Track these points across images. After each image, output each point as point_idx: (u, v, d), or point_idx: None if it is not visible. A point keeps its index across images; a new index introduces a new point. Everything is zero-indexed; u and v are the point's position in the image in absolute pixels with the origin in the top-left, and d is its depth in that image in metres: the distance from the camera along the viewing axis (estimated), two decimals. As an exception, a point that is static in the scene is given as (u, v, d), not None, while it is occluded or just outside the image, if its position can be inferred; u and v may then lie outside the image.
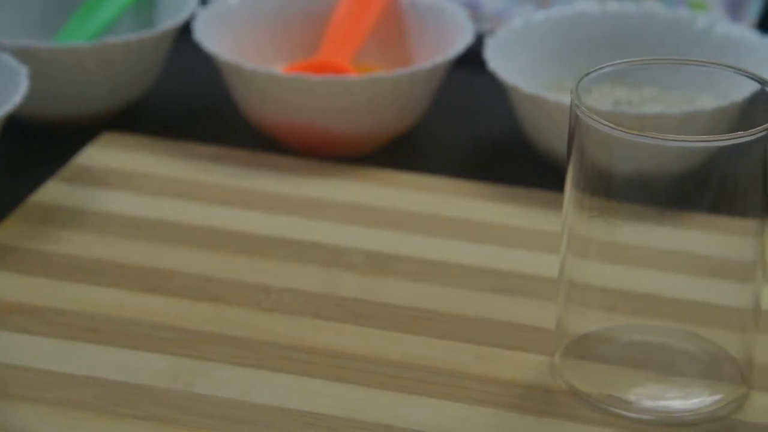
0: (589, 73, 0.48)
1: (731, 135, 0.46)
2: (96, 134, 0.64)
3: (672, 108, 0.58)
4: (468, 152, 0.65)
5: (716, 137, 0.46)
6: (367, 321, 0.52)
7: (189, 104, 0.68)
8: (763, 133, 0.45)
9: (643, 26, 0.66)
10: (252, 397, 0.48)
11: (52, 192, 0.60)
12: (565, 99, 0.47)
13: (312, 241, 0.57)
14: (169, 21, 0.66)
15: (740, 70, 0.48)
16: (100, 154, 0.63)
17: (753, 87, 0.47)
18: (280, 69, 0.65)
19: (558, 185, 0.48)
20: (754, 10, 0.72)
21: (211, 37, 0.63)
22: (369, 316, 0.52)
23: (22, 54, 0.62)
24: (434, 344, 0.51)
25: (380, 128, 0.63)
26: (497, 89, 0.63)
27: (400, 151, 0.64)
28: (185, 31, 0.66)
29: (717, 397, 0.48)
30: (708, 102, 0.54)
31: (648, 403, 0.48)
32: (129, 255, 0.56)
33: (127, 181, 0.61)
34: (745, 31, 0.64)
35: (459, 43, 0.63)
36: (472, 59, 0.65)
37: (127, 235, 0.57)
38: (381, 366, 0.50)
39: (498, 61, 0.62)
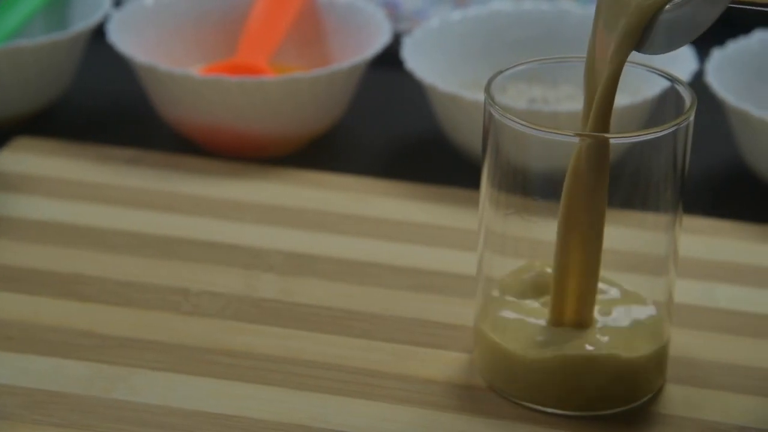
0: (502, 72, 0.48)
1: (643, 131, 0.46)
2: (9, 139, 0.63)
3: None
4: (387, 151, 0.65)
5: (628, 134, 0.47)
6: (286, 322, 0.52)
7: (104, 107, 0.67)
8: (673, 130, 0.46)
9: (558, 25, 0.66)
10: (171, 402, 0.48)
11: (-36, 198, 0.59)
12: (482, 97, 0.47)
13: (231, 243, 0.56)
14: (81, 23, 0.65)
15: (651, 67, 0.49)
16: (14, 159, 0.62)
17: (663, 84, 0.48)
18: (196, 70, 0.65)
19: (477, 183, 0.48)
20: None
21: (125, 39, 0.63)
22: (288, 317, 0.52)
23: (-69, 58, 0.61)
24: (354, 344, 0.51)
25: (299, 129, 0.63)
26: (415, 88, 0.63)
27: (319, 151, 0.64)
28: (99, 33, 0.65)
29: (636, 403, 0.48)
30: (620, 99, 0.55)
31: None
32: (44, 260, 0.55)
33: (41, 185, 0.60)
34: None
35: (377, 42, 0.63)
36: (390, 59, 0.65)
37: (43, 240, 0.56)
38: (301, 367, 0.50)
39: (415, 60, 0.62)
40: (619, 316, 0.48)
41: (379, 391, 0.49)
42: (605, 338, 0.47)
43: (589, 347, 0.47)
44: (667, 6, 0.44)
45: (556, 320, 0.48)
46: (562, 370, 0.47)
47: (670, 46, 0.44)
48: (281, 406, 0.48)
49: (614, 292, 0.49)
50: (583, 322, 0.47)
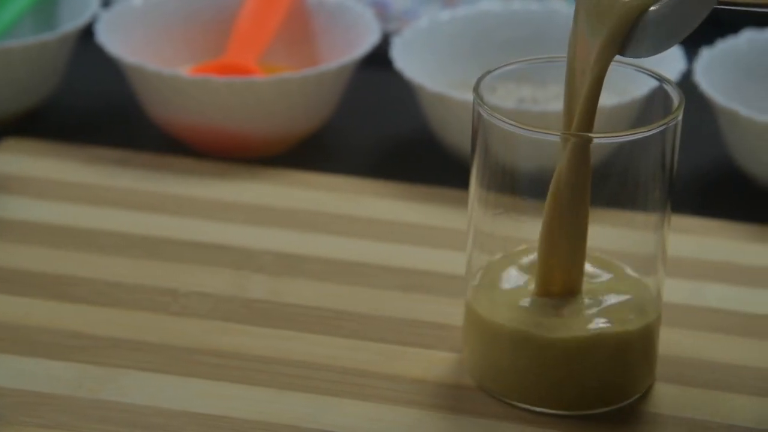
0: (491, 72, 0.48)
1: (631, 131, 0.46)
2: (-2, 139, 0.63)
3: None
4: (376, 151, 0.65)
5: (617, 133, 0.47)
6: (275, 322, 0.52)
7: (93, 108, 0.67)
8: (661, 129, 0.46)
9: (547, 25, 0.66)
10: (159, 402, 0.48)
11: (-47, 199, 0.59)
12: (471, 97, 0.47)
13: (220, 244, 0.56)
14: (70, 23, 0.65)
15: (640, 67, 0.49)
16: (3, 160, 0.62)
17: (652, 84, 0.48)
18: (185, 71, 0.64)
19: (466, 183, 0.48)
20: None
21: (114, 40, 0.63)
22: (278, 318, 0.52)
23: None
24: (343, 344, 0.51)
25: (288, 129, 0.63)
26: (405, 89, 0.63)
27: (309, 151, 0.64)
28: (87, 33, 0.65)
29: (626, 402, 0.48)
30: (608, 99, 0.55)
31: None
32: (33, 261, 0.55)
33: (31, 186, 0.60)
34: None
35: (366, 42, 0.63)
36: (379, 59, 0.65)
37: (31, 241, 0.56)
38: (290, 367, 0.50)
39: (404, 60, 0.62)
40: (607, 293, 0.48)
41: (368, 390, 0.49)
42: (593, 310, 0.47)
43: (575, 320, 0.47)
44: (651, 9, 0.44)
45: (543, 292, 0.47)
46: (549, 348, 0.46)
47: (655, 49, 0.44)
48: (270, 406, 0.48)
49: (605, 276, 0.49)
50: (570, 293, 0.47)
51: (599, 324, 0.47)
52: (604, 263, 0.49)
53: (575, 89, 0.45)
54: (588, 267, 0.48)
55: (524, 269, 0.48)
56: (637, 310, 0.48)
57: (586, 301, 0.47)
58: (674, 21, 0.43)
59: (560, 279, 0.47)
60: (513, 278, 0.48)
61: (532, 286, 0.48)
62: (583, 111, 0.45)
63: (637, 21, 0.44)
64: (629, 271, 0.49)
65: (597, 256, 0.48)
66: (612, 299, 0.48)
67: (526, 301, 0.47)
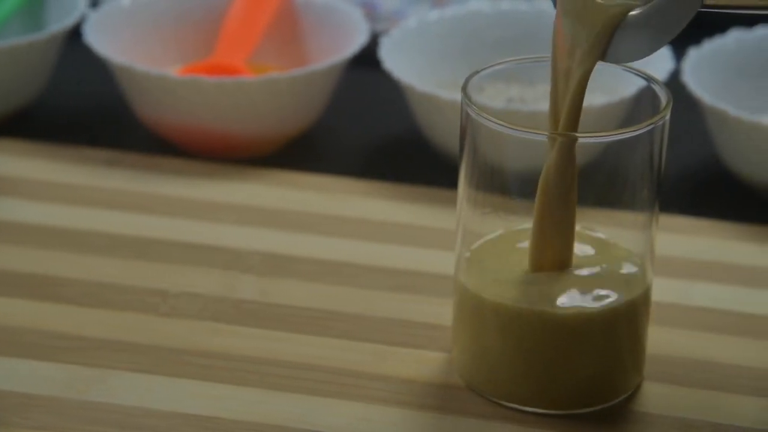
0: (479, 72, 0.48)
1: (619, 131, 0.46)
2: (-14, 140, 0.63)
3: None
4: (365, 152, 0.65)
5: (605, 133, 0.47)
6: (265, 323, 0.52)
7: (82, 108, 0.67)
8: (649, 129, 0.46)
9: (536, 25, 0.66)
10: (148, 404, 0.48)
11: (-59, 200, 0.59)
12: (459, 97, 0.48)
13: (209, 244, 0.56)
14: (58, 24, 0.65)
15: (628, 67, 0.49)
16: (-9, 161, 0.61)
17: (640, 84, 0.48)
18: (174, 71, 0.64)
19: (455, 182, 0.48)
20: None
21: (102, 40, 0.63)
22: (267, 318, 0.52)
23: None
24: (333, 344, 0.51)
25: (277, 129, 0.63)
26: (393, 89, 0.63)
27: (298, 151, 0.64)
28: (75, 33, 0.65)
29: (614, 401, 0.49)
30: (597, 99, 0.55)
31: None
32: (21, 262, 0.55)
33: (19, 187, 0.60)
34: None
35: (354, 42, 0.63)
36: (368, 59, 0.65)
37: (20, 242, 0.56)
38: (279, 368, 0.50)
39: (393, 60, 0.62)
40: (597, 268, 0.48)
41: (358, 391, 0.49)
42: (581, 285, 0.47)
43: (561, 297, 0.47)
44: (632, 13, 0.44)
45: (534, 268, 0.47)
46: (538, 320, 0.46)
47: (637, 54, 0.44)
48: (260, 407, 0.48)
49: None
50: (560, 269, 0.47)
51: (588, 298, 0.47)
52: (596, 241, 0.48)
53: (559, 90, 0.46)
54: (579, 245, 0.47)
55: (515, 247, 0.48)
56: (625, 285, 0.47)
57: (576, 276, 0.47)
58: (655, 26, 0.43)
59: (551, 259, 0.47)
60: (504, 256, 0.48)
61: (523, 263, 0.47)
62: (568, 113, 0.45)
63: (618, 26, 0.44)
64: (620, 247, 0.48)
65: (588, 234, 0.48)
66: (601, 275, 0.47)
67: (517, 278, 0.47)
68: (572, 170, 0.46)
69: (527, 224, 0.48)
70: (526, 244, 0.48)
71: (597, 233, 0.49)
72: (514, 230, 0.49)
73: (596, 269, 0.48)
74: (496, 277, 0.48)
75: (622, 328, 0.48)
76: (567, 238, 0.47)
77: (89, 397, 0.48)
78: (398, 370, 0.50)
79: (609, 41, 0.44)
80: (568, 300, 0.47)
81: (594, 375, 0.48)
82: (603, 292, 0.47)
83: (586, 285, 0.47)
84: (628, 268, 0.48)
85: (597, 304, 0.47)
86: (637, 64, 0.49)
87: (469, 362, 0.49)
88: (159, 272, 0.54)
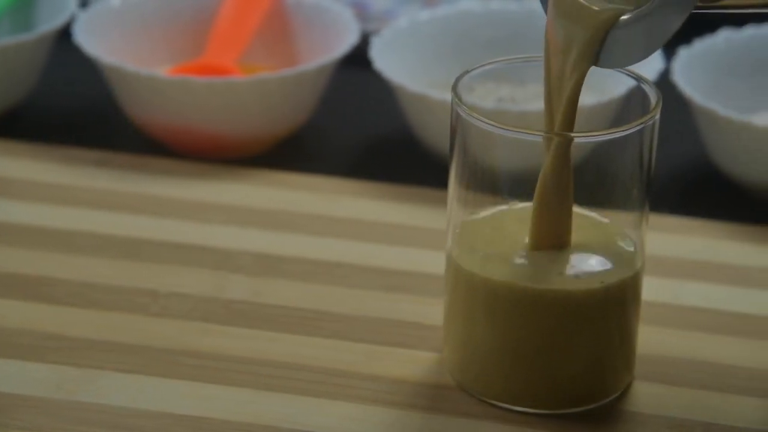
0: (469, 71, 0.48)
1: (609, 130, 0.46)
2: (-25, 141, 0.63)
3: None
4: (356, 151, 0.65)
5: (594, 133, 0.47)
6: (255, 323, 0.52)
7: (71, 108, 0.67)
8: (639, 128, 0.46)
9: (527, 24, 0.66)
10: (139, 404, 0.48)
11: (-70, 200, 0.58)
12: (449, 97, 0.48)
13: (200, 245, 0.56)
14: (47, 24, 0.65)
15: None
16: (-20, 161, 0.61)
17: (630, 83, 0.48)
18: (164, 71, 0.64)
19: (446, 182, 0.48)
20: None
21: (92, 40, 0.62)
22: (257, 318, 0.52)
23: None
24: (323, 344, 0.51)
25: (267, 129, 0.63)
26: (384, 88, 0.63)
27: (288, 151, 0.64)
28: (65, 33, 0.65)
29: (605, 400, 0.48)
30: (587, 98, 0.55)
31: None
32: (10, 263, 0.55)
33: (8, 187, 0.59)
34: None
35: (345, 42, 0.63)
36: (358, 59, 0.65)
37: (9, 242, 0.56)
38: (270, 368, 0.50)
39: (384, 60, 0.62)
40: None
41: (349, 391, 0.49)
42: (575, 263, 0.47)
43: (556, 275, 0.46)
44: (623, 18, 0.44)
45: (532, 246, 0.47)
46: (533, 298, 0.46)
47: (631, 59, 0.44)
48: (250, 407, 0.48)
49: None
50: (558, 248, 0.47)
51: (579, 276, 0.46)
52: (592, 222, 0.48)
53: (551, 90, 0.46)
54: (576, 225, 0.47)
55: (511, 225, 0.48)
56: (618, 264, 0.47)
57: (570, 254, 0.47)
58: (648, 30, 0.43)
59: (549, 237, 0.47)
60: (500, 234, 0.48)
61: (520, 240, 0.47)
62: (563, 118, 0.45)
63: (610, 30, 0.44)
64: (614, 226, 0.48)
65: (585, 214, 0.48)
66: (595, 254, 0.47)
67: (512, 255, 0.47)
68: (568, 171, 0.46)
69: (516, 224, 0.48)
70: (521, 223, 0.47)
71: (593, 214, 0.48)
72: (511, 208, 0.48)
73: (590, 249, 0.47)
74: (489, 254, 0.47)
75: (611, 310, 0.47)
76: (565, 222, 0.47)
77: (79, 397, 0.48)
78: (389, 370, 0.50)
79: (601, 46, 0.44)
80: (560, 277, 0.46)
81: (584, 372, 0.48)
82: (594, 270, 0.47)
83: (579, 263, 0.47)
84: (621, 248, 0.48)
85: (586, 283, 0.46)
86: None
87: (460, 361, 0.49)
88: (149, 272, 0.54)
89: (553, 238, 0.47)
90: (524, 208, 0.48)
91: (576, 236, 0.47)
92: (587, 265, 0.47)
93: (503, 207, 0.48)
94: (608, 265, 0.47)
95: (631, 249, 0.48)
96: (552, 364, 0.47)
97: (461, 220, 0.48)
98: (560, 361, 0.47)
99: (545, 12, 0.46)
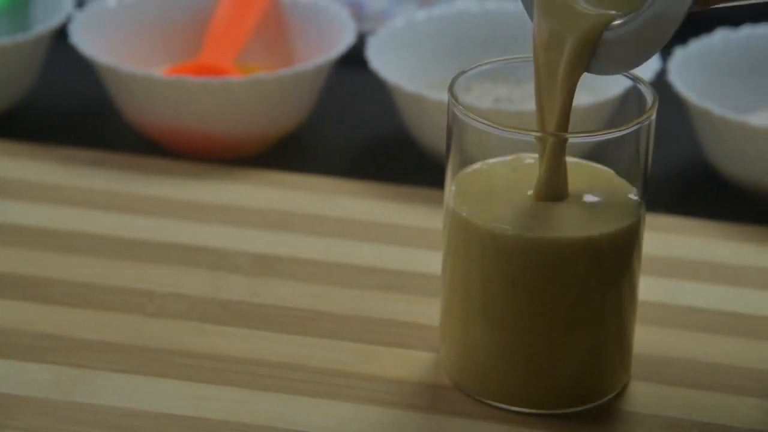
0: (465, 71, 0.48)
1: (605, 130, 0.46)
2: (-28, 141, 0.63)
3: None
4: (352, 152, 0.65)
5: (591, 133, 0.47)
6: (252, 323, 0.52)
7: (68, 109, 0.67)
8: (635, 128, 0.46)
9: (523, 24, 0.66)
10: (135, 404, 0.48)
11: (-74, 201, 0.58)
12: (446, 97, 0.48)
13: (196, 245, 0.56)
14: (44, 24, 0.65)
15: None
16: (-23, 161, 0.61)
17: (626, 84, 0.48)
18: (160, 71, 0.64)
19: (442, 182, 0.48)
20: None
21: (88, 40, 0.62)
22: (254, 318, 0.52)
23: None
24: (321, 344, 0.51)
25: (264, 129, 0.63)
26: (380, 89, 0.63)
27: (285, 152, 0.64)
28: (62, 34, 0.65)
29: (601, 400, 0.48)
30: (583, 99, 0.55)
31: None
32: (7, 263, 0.55)
33: (5, 187, 0.59)
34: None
35: (341, 42, 0.63)
36: (355, 59, 0.65)
37: (6, 242, 0.56)
38: (267, 368, 0.50)
39: (380, 60, 0.62)
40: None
41: (345, 391, 0.49)
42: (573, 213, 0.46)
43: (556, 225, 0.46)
44: (614, 24, 0.43)
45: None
46: (535, 248, 0.45)
47: (625, 65, 0.44)
48: (246, 407, 0.48)
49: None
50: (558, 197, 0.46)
51: (577, 226, 0.46)
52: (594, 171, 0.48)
53: (541, 89, 0.46)
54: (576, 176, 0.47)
55: (509, 174, 0.47)
56: (619, 215, 0.47)
57: (570, 205, 0.46)
58: (636, 40, 0.43)
59: (545, 190, 0.46)
60: (500, 183, 0.47)
61: (521, 190, 0.47)
62: (558, 121, 0.45)
63: (601, 35, 0.44)
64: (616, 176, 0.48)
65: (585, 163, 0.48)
66: (595, 206, 0.47)
67: (512, 205, 0.46)
68: (563, 172, 0.46)
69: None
70: (519, 172, 0.47)
71: (595, 164, 0.48)
72: (511, 158, 0.48)
73: (590, 200, 0.47)
74: (488, 205, 0.47)
75: (611, 258, 0.46)
76: (562, 176, 0.46)
77: (75, 397, 0.48)
78: (386, 370, 0.50)
79: (593, 52, 0.44)
80: (558, 227, 0.46)
81: (581, 372, 0.48)
82: (597, 221, 0.46)
83: (580, 214, 0.46)
84: (622, 200, 0.47)
85: (587, 231, 0.46)
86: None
87: (457, 361, 0.49)
88: (146, 272, 0.54)
89: (554, 191, 0.46)
90: (518, 158, 0.47)
91: (574, 186, 0.47)
92: (585, 217, 0.46)
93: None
94: (608, 213, 0.47)
95: (633, 199, 0.47)
96: (549, 363, 0.47)
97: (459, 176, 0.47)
98: (557, 360, 0.47)
99: (528, 14, 0.46)
